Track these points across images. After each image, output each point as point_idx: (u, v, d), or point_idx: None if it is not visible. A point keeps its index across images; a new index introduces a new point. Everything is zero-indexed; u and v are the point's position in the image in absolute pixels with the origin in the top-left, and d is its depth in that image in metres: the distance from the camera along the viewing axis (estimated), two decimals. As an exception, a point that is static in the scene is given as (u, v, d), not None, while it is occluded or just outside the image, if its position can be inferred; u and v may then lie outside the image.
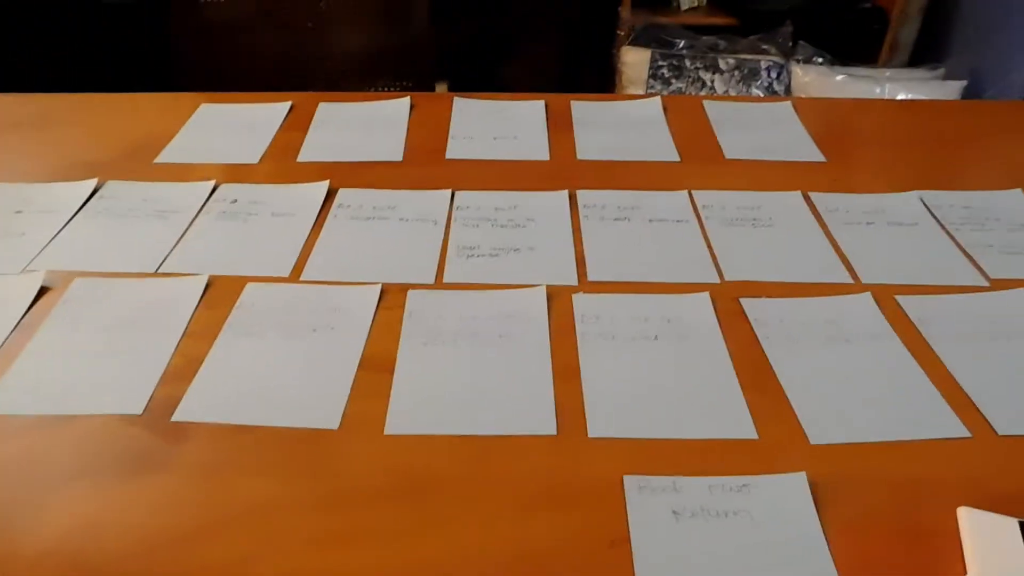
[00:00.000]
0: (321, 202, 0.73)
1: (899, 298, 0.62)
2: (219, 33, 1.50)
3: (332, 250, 0.67)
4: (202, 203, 0.73)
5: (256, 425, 0.51)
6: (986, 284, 0.65)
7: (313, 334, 0.58)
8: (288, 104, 0.92)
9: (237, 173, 0.79)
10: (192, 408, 0.52)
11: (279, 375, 0.55)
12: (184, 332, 0.58)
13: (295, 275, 0.64)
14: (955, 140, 0.90)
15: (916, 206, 0.75)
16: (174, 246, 0.67)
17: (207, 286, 0.62)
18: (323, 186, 0.75)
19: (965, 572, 0.41)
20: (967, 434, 0.51)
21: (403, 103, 0.92)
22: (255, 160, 0.81)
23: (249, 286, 0.62)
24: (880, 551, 0.44)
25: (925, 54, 2.33)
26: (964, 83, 2.01)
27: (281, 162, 0.81)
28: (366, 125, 0.88)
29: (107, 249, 0.67)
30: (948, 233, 0.71)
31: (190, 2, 1.51)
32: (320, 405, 0.52)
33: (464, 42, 2.25)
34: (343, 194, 0.75)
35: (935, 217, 0.73)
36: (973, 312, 0.61)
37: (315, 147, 0.83)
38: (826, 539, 0.44)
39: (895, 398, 0.53)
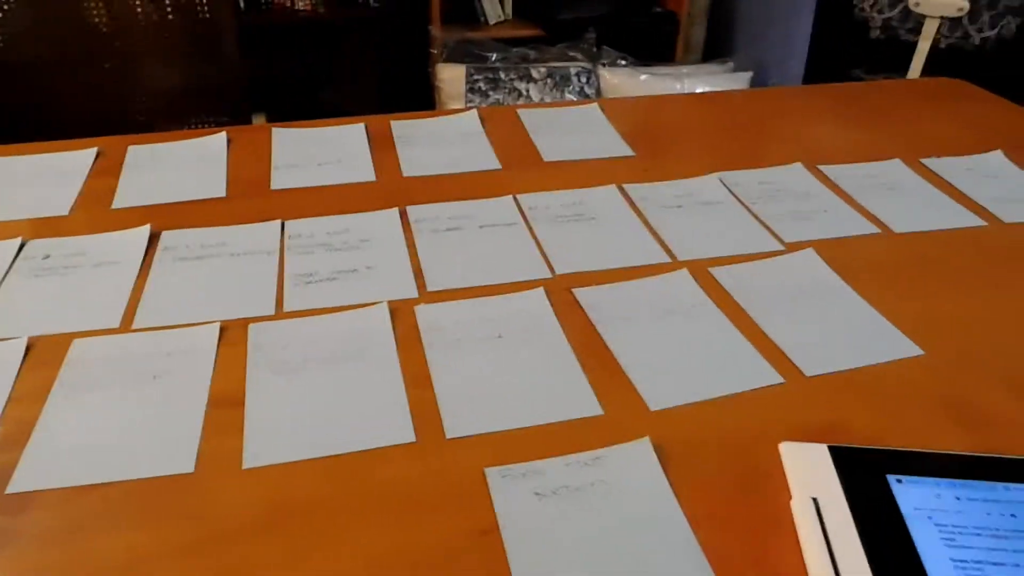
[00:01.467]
0: (144, 247, 0.71)
1: (712, 270, 0.69)
2: (6, 77, 1.39)
3: (163, 294, 0.65)
4: (9, 263, 0.68)
5: (105, 482, 0.48)
6: (782, 248, 0.73)
7: (154, 381, 0.56)
8: (94, 150, 0.87)
9: (46, 227, 0.74)
10: (29, 475, 0.49)
11: (123, 427, 0.52)
12: (8, 398, 0.54)
13: (126, 325, 0.62)
14: (746, 125, 1.00)
15: (717, 187, 0.82)
16: (-18, 312, 0.63)
17: (27, 348, 0.59)
18: (144, 231, 0.72)
19: (791, 497, 0.47)
20: (781, 380, 0.57)
21: (219, 138, 0.90)
22: (65, 211, 0.77)
23: (76, 342, 0.59)
24: (721, 495, 0.48)
25: (716, 51, 2.54)
26: (751, 74, 2.21)
27: (94, 210, 0.77)
28: (182, 164, 0.85)
29: (-97, 325, 0.61)
30: (747, 208, 0.79)
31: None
32: (172, 450, 0.50)
33: (279, 72, 2.21)
34: (167, 236, 0.73)
35: (734, 195, 0.81)
36: (774, 274, 0.69)
37: (130, 191, 0.80)
38: (674, 492, 0.48)
39: (718, 359, 0.59)
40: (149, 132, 0.92)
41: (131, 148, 0.88)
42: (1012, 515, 0.44)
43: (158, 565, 0.44)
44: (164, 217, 0.75)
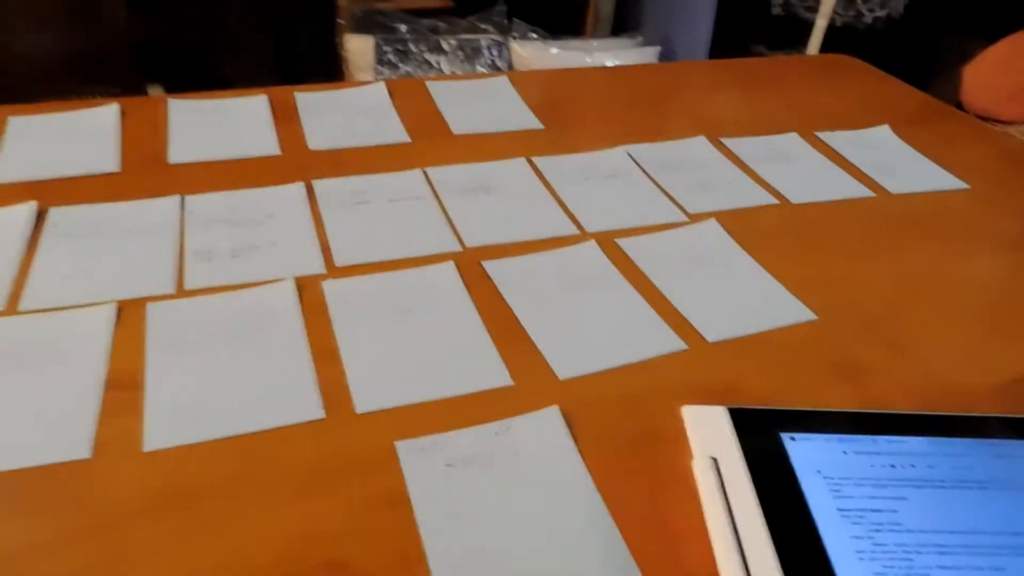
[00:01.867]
0: (30, 225, 0.67)
1: (618, 241, 0.70)
2: None
3: (51, 274, 0.62)
4: None
5: (-9, 472, 0.46)
6: (686, 219, 0.75)
7: (45, 365, 0.53)
8: (-30, 122, 0.82)
9: (-83, 205, 0.69)
10: (-96, 470, 0.46)
11: (9, 413, 0.50)
12: None
13: (11, 307, 0.58)
14: (652, 99, 1.02)
15: (623, 159, 0.84)
16: None
17: (-100, 334, 0.55)
18: (30, 207, 0.68)
19: (692, 457, 0.49)
20: (684, 347, 0.59)
21: (111, 110, 0.86)
22: (-62, 188, 0.72)
23: (-45, 326, 0.56)
24: (626, 458, 0.50)
25: (624, 24, 2.57)
26: (659, 48, 2.25)
27: (-28, 187, 0.73)
28: (71, 136, 0.81)
29: None
30: (652, 179, 0.81)
31: None
32: (65, 435, 0.48)
33: (174, 40, 2.11)
34: (55, 213, 0.69)
35: (640, 167, 0.83)
36: (678, 244, 0.71)
37: (12, 165, 0.75)
38: (582, 458, 0.49)
39: (625, 327, 0.60)
40: (28, 102, 0.87)
41: (11, 119, 0.83)
42: (891, 465, 0.47)
43: (52, 553, 0.42)
44: (51, 193, 0.71)
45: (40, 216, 0.68)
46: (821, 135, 0.93)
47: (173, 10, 2.00)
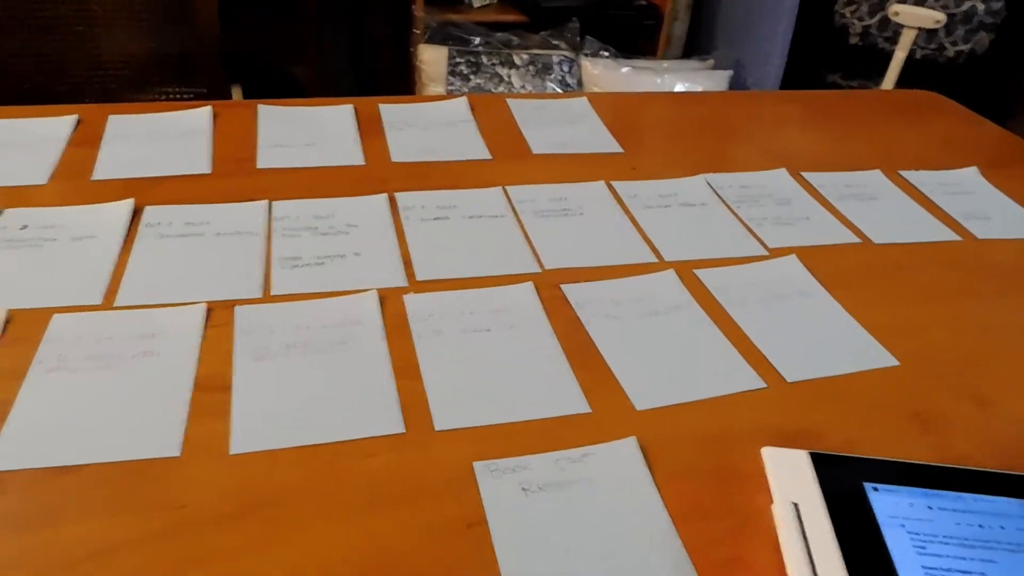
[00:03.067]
0: (127, 222, 0.69)
1: (697, 272, 0.70)
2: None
3: (146, 272, 0.64)
4: (-14, 232, 0.67)
5: (83, 464, 0.48)
6: (765, 253, 0.74)
7: (137, 361, 0.55)
8: (74, 118, 0.85)
9: (22, 196, 0.73)
10: (5, 455, 0.48)
11: (104, 408, 0.52)
12: (-14, 373, 0.53)
13: (108, 302, 0.61)
14: (729, 127, 1.02)
15: (703, 188, 0.83)
16: (-41, 282, 0.61)
17: (7, 321, 0.57)
18: (127, 204, 0.71)
19: (771, 501, 0.48)
20: (763, 385, 0.58)
21: (204, 112, 0.89)
22: (43, 180, 0.75)
23: (56, 318, 0.58)
24: (703, 495, 0.49)
25: (696, 47, 2.56)
26: (730, 73, 2.23)
27: (74, 181, 0.76)
28: (166, 137, 0.84)
29: None
30: (731, 210, 0.80)
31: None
32: (156, 433, 0.50)
33: (254, 44, 2.17)
34: (150, 212, 0.71)
35: (720, 197, 0.82)
36: (757, 278, 0.70)
37: (111, 163, 0.78)
38: (658, 491, 0.49)
39: (702, 361, 0.60)
40: (119, 99, 0.90)
41: (112, 117, 0.86)
42: (980, 525, 0.46)
43: (133, 553, 0.43)
44: (146, 191, 0.74)
45: (135, 214, 0.71)
46: (905, 174, 0.91)
47: (254, 16, 2.06)
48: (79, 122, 0.85)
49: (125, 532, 0.44)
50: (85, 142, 0.82)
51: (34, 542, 0.43)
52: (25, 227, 0.68)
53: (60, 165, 0.78)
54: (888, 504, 0.47)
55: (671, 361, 0.60)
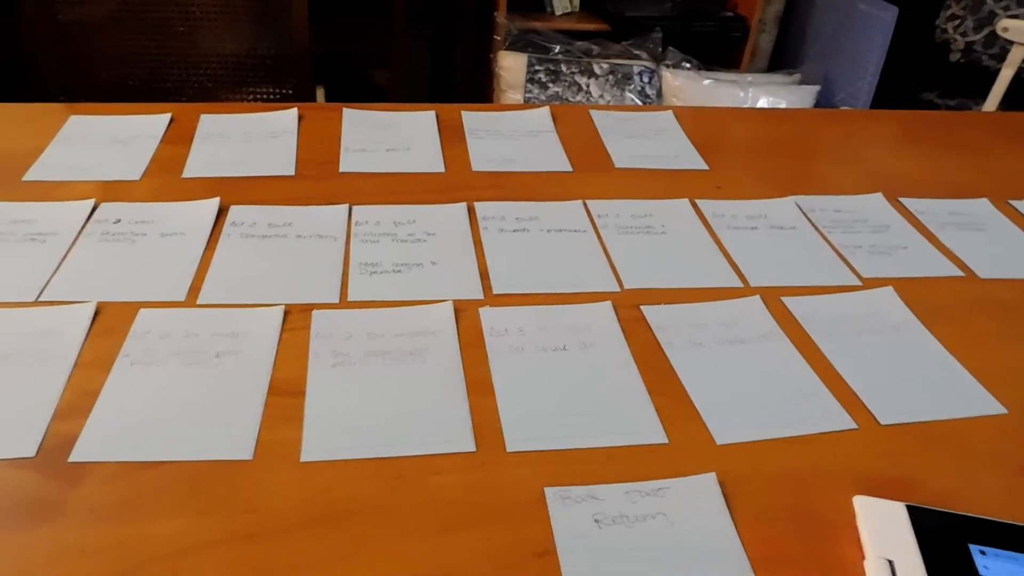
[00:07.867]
0: (213, 221, 0.70)
1: (785, 299, 0.67)
2: (78, 36, 1.40)
3: (228, 271, 0.65)
4: (82, 224, 0.68)
5: (162, 461, 0.48)
6: (859, 283, 0.70)
7: (216, 360, 0.56)
8: (168, 116, 0.87)
9: (117, 191, 0.74)
10: (90, 446, 0.48)
11: (183, 405, 0.52)
12: (75, 364, 0.54)
13: (191, 299, 0.62)
14: (821, 147, 0.97)
15: (793, 210, 0.80)
16: (54, 271, 0.63)
17: (96, 313, 0.59)
18: (214, 203, 0.72)
19: (862, 555, 0.45)
20: (854, 426, 0.55)
21: (291, 115, 0.90)
22: (136, 176, 0.77)
23: (143, 312, 0.59)
24: (786, 540, 0.47)
25: (782, 60, 2.49)
26: (818, 88, 2.16)
27: (165, 178, 0.77)
28: (254, 138, 0.85)
29: (-26, 278, 0.62)
30: (823, 235, 0.77)
31: (44, 1, 1.41)
32: (231, 435, 0.50)
33: (340, 46, 2.21)
34: (235, 211, 0.72)
35: (810, 220, 0.79)
36: (850, 310, 0.66)
37: (201, 162, 0.80)
38: (737, 533, 0.46)
39: (789, 396, 0.57)
40: (214, 98, 0.92)
41: (203, 117, 0.88)
42: (1098, 599, 0.42)
43: (202, 556, 0.43)
44: (232, 191, 0.75)
45: (220, 213, 0.72)
46: (1016, 204, 0.85)
47: (343, 18, 2.09)
48: (172, 120, 0.87)
49: (197, 535, 0.44)
50: (178, 140, 0.84)
51: (114, 534, 0.44)
52: (118, 221, 0.70)
53: (153, 162, 0.80)
54: (997, 570, 0.43)
55: (755, 394, 0.57)
